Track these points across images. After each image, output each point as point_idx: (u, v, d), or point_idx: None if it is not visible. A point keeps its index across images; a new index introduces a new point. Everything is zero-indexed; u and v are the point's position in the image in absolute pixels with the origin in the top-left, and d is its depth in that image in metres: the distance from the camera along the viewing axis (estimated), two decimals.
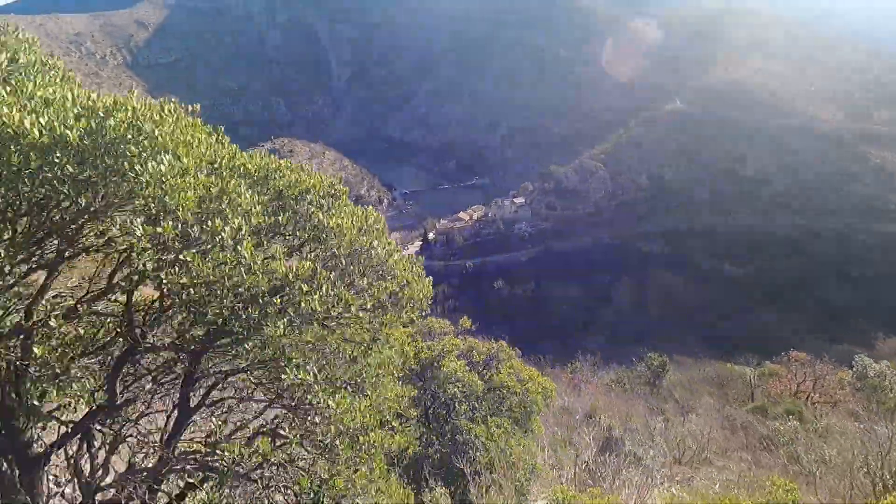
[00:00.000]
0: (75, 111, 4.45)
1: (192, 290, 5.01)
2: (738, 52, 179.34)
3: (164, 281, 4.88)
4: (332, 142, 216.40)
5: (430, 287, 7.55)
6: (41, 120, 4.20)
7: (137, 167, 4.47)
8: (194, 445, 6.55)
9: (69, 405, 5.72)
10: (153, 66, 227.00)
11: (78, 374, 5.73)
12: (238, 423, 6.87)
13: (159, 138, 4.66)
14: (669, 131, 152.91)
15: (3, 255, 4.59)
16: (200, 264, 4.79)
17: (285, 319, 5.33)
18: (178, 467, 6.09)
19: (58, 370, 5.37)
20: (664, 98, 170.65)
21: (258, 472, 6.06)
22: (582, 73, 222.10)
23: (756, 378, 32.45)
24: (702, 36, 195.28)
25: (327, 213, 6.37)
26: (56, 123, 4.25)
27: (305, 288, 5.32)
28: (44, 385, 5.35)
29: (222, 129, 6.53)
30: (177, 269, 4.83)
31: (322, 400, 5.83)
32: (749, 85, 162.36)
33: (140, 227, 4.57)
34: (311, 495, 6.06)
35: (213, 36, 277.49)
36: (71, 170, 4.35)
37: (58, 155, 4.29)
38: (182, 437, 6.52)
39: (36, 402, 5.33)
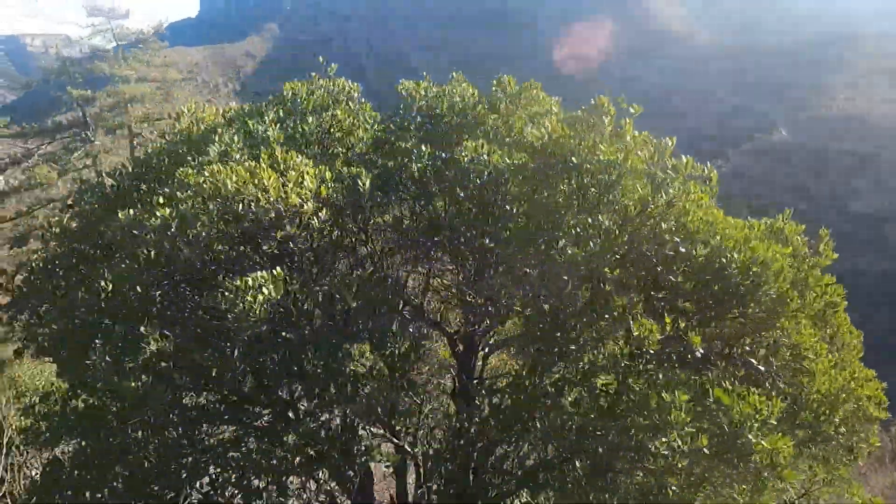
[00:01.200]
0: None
1: None
2: (857, 80, 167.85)
3: None
4: None
5: None
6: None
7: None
8: None
9: None
10: (261, 94, 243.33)
11: None
12: None
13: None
14: (774, 163, 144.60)
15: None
16: None
17: None
18: None
19: None
20: (768, 128, 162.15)
21: None
22: (676, 101, 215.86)
23: None
24: (815, 63, 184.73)
25: None
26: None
27: None
28: None
29: None
30: None
31: None
32: (868, 115, 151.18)
33: None
34: None
35: (313, 68, 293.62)
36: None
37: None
38: None
39: None
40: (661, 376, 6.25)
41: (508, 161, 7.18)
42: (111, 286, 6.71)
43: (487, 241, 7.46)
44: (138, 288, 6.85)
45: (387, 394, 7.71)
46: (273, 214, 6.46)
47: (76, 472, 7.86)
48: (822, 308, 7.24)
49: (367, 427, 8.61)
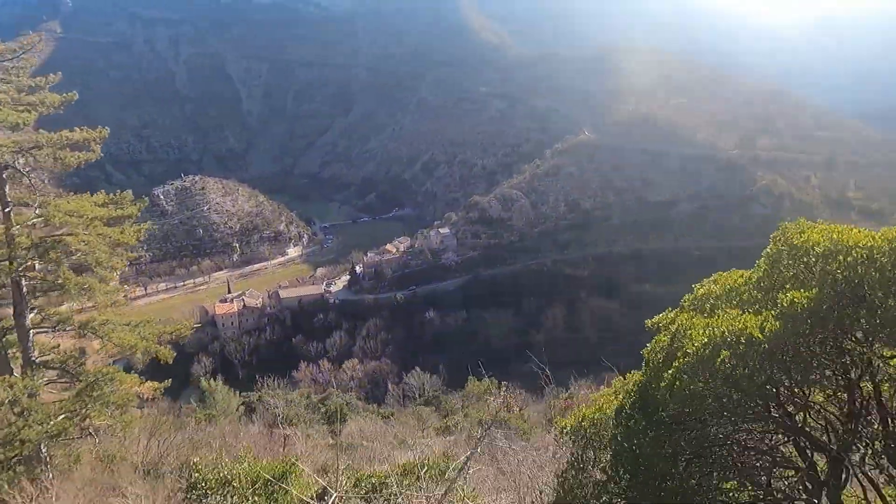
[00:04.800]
0: None
1: None
2: (643, 87, 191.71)
3: None
4: (247, 178, 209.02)
5: None
6: None
7: None
8: None
9: None
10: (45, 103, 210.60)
11: None
12: None
13: None
14: (583, 161, 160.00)
15: None
16: None
17: None
18: None
19: None
20: (575, 131, 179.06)
21: None
22: (499, 108, 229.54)
23: None
24: (607, 73, 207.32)
25: None
26: None
27: None
28: None
29: None
30: None
31: None
32: (654, 117, 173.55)
33: None
34: None
35: (114, 71, 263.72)
36: None
37: None
38: None
39: None
40: None
41: None
42: None
43: None
44: None
45: None
46: None
47: None
48: None
49: None
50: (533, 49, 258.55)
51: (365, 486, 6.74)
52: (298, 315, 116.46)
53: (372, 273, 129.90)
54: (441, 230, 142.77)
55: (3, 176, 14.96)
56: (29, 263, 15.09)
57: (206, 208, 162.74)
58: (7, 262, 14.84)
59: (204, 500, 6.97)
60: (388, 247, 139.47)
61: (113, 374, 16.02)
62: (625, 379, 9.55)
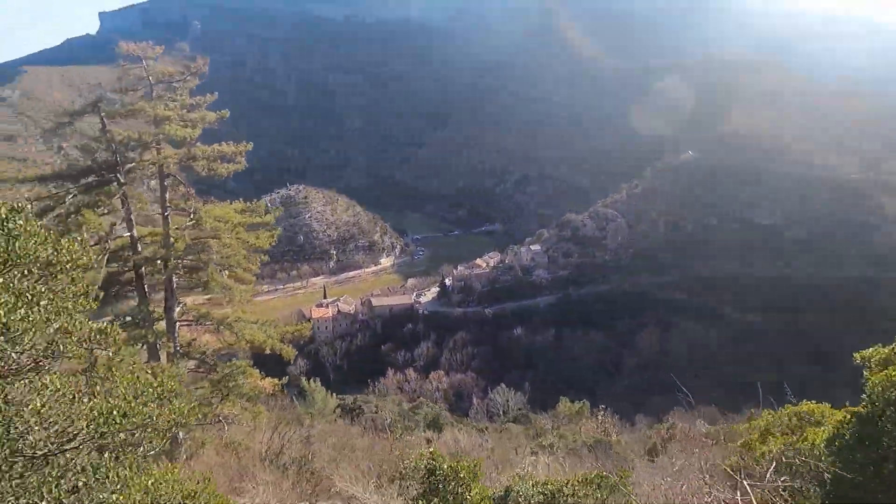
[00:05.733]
0: None
1: None
2: (752, 104, 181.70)
3: None
4: (345, 189, 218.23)
5: None
6: None
7: None
8: None
9: None
10: (205, 120, 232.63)
11: None
12: None
13: None
14: (684, 181, 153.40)
15: None
16: None
17: None
18: None
19: None
20: (678, 149, 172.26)
21: None
22: (597, 126, 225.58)
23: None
24: (716, 90, 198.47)
25: None
26: None
27: None
28: None
29: None
30: None
31: None
32: (763, 136, 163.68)
33: None
34: None
35: (233, 84, 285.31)
36: None
37: None
38: None
39: None
40: None
41: None
42: None
43: None
44: None
45: None
46: None
47: None
48: None
49: None
50: (628, 62, 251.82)
51: (541, 492, 7.00)
52: (388, 323, 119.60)
53: (461, 286, 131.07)
54: (532, 247, 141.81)
55: (166, 184, 16.82)
56: (182, 262, 16.80)
57: (307, 216, 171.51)
58: (163, 261, 16.61)
59: (440, 485, 7.55)
60: (478, 261, 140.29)
61: (245, 367, 17.42)
62: (778, 410, 9.20)
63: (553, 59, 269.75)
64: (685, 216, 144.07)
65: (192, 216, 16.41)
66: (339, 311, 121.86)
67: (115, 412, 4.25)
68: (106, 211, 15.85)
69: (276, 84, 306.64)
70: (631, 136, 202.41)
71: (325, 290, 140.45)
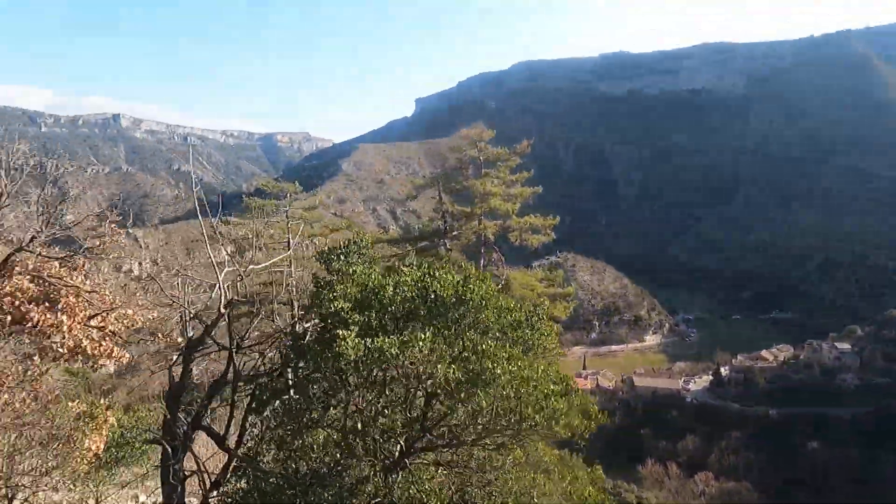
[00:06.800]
0: None
1: None
2: None
3: None
4: (613, 258, 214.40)
5: None
6: None
7: None
8: None
9: None
10: (522, 195, 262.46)
11: None
12: None
13: None
14: None
15: None
16: None
17: None
18: None
19: None
20: None
21: None
22: None
23: None
24: None
25: None
26: None
27: None
28: None
29: None
30: None
31: None
32: None
33: None
34: None
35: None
36: None
37: None
38: None
39: None
40: None
41: None
42: None
43: None
44: None
45: None
46: None
47: None
48: None
49: None
50: None
51: None
52: (650, 406, 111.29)
53: (741, 378, 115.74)
54: (839, 344, 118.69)
55: (482, 251, 18.83)
56: None
57: (573, 284, 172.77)
58: None
59: None
60: (764, 353, 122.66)
61: None
62: None
63: (876, 126, 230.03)
64: None
65: (503, 281, 17.93)
66: (598, 384, 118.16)
67: None
68: None
69: (555, 154, 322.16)
70: None
71: (584, 361, 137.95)
